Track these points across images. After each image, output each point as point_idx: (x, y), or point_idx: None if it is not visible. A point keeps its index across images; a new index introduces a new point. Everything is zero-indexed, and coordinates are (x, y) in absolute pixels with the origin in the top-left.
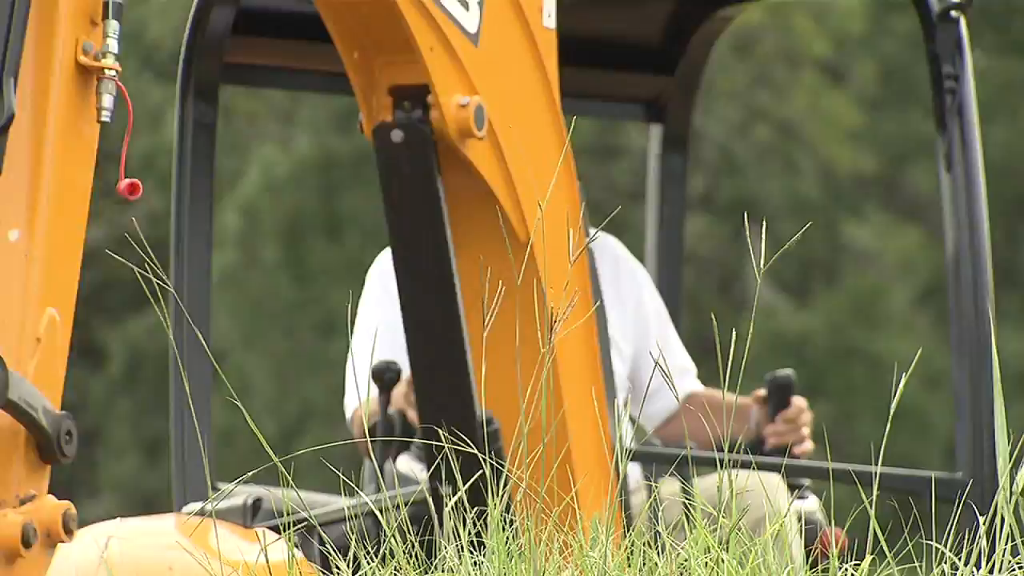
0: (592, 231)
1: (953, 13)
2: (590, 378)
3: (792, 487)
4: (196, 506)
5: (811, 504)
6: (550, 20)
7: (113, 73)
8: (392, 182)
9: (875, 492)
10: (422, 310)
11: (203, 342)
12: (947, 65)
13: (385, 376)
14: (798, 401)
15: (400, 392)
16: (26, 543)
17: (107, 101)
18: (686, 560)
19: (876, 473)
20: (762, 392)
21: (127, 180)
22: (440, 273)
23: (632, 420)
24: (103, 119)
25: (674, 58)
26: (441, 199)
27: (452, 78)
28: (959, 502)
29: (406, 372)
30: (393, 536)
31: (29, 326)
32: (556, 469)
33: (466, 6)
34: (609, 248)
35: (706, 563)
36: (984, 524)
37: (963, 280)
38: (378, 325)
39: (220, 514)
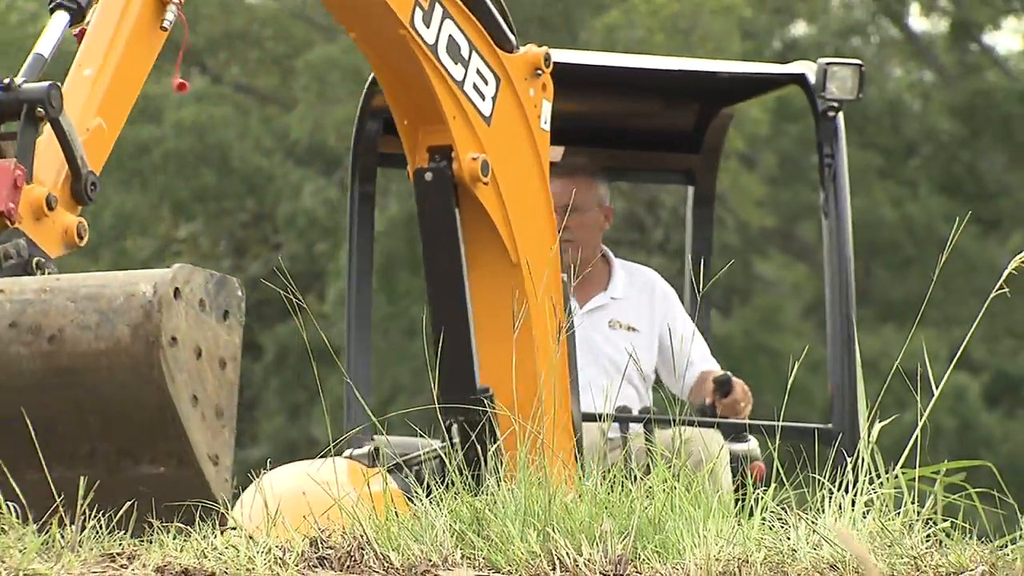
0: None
1: (830, 112)
2: (563, 357)
3: (737, 438)
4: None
5: (751, 445)
6: (546, 125)
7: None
8: (424, 209)
9: (777, 440)
10: (440, 305)
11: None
12: (827, 147)
13: None
14: (738, 390)
15: None
16: (50, 206)
17: (170, 15)
18: (650, 487)
19: (778, 427)
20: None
21: (179, 80)
22: (454, 278)
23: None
24: (164, 27)
25: (699, 141)
26: (457, 223)
27: (468, 141)
28: (834, 446)
29: None
30: (453, 472)
31: (82, 121)
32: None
33: (483, 97)
34: (648, 277)
35: (663, 490)
36: (851, 462)
37: (835, 298)
38: None
39: (356, 458)
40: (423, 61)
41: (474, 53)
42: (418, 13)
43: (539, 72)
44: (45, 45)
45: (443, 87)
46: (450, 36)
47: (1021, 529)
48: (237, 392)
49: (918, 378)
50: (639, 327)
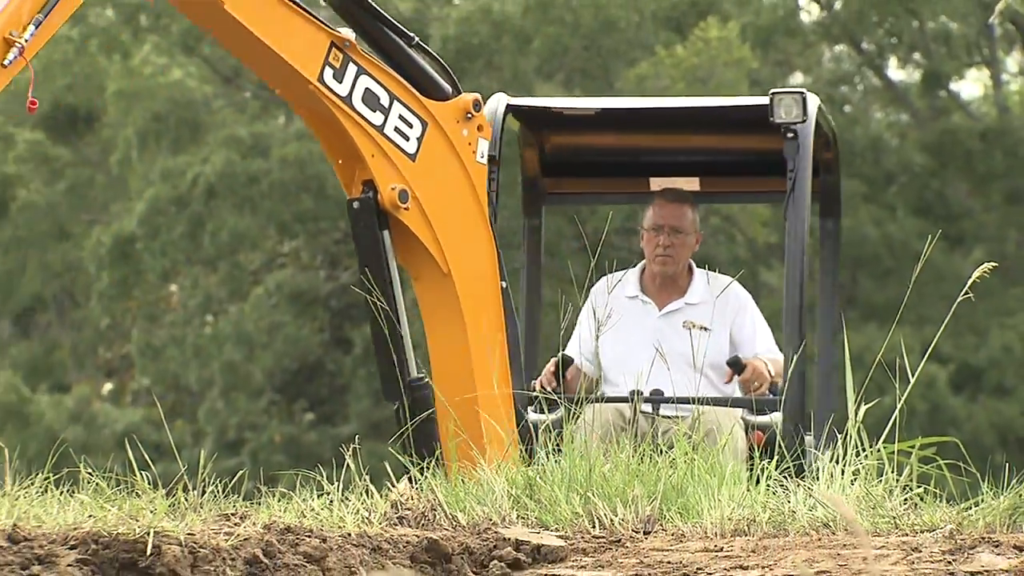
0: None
1: (789, 134)
2: (499, 349)
3: (759, 412)
4: None
5: (774, 417)
6: (482, 159)
7: None
8: (355, 232)
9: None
10: (373, 310)
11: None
12: (790, 162)
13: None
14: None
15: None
16: None
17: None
18: (674, 459)
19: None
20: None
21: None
22: (384, 284)
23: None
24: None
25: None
26: (382, 243)
27: (387, 174)
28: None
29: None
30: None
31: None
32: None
33: (407, 138)
34: (724, 284)
35: (684, 461)
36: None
37: (791, 292)
38: (579, 326)
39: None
40: (335, 110)
41: (395, 102)
42: (328, 71)
43: (470, 115)
44: None
45: (358, 131)
46: (366, 88)
47: (982, 494)
48: None
49: (896, 368)
50: (711, 327)
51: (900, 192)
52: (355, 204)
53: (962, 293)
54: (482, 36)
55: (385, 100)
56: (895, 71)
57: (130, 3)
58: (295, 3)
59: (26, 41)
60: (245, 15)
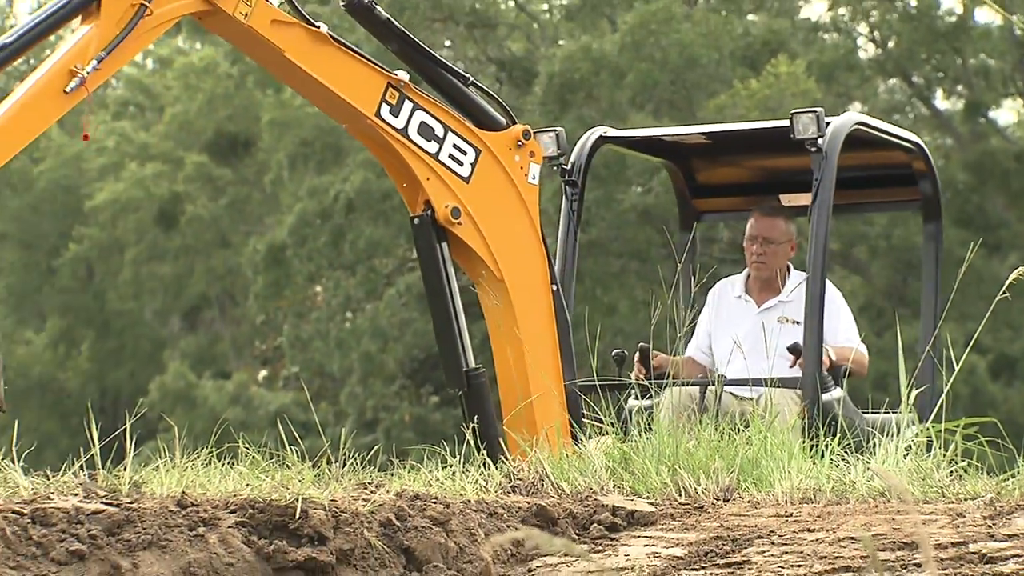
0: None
1: (811, 147)
2: (550, 347)
3: (824, 390)
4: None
5: (835, 394)
6: (533, 180)
7: None
8: (417, 245)
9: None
10: (434, 311)
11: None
12: (816, 172)
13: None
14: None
15: (656, 363)
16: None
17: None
18: (749, 436)
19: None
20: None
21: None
22: (441, 291)
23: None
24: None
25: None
26: (439, 254)
27: (442, 194)
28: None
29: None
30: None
31: None
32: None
33: (460, 163)
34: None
35: (758, 438)
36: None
37: (814, 287)
38: (699, 324)
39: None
40: (392, 141)
41: (449, 132)
42: (385, 108)
43: (521, 143)
44: None
45: (414, 158)
46: (421, 122)
47: (1017, 467)
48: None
49: (943, 358)
50: (803, 321)
51: (945, 206)
52: (416, 220)
53: (1000, 293)
54: (583, 72)
55: (440, 131)
56: (941, 101)
57: None
58: (352, 49)
59: (87, 74)
60: (305, 62)
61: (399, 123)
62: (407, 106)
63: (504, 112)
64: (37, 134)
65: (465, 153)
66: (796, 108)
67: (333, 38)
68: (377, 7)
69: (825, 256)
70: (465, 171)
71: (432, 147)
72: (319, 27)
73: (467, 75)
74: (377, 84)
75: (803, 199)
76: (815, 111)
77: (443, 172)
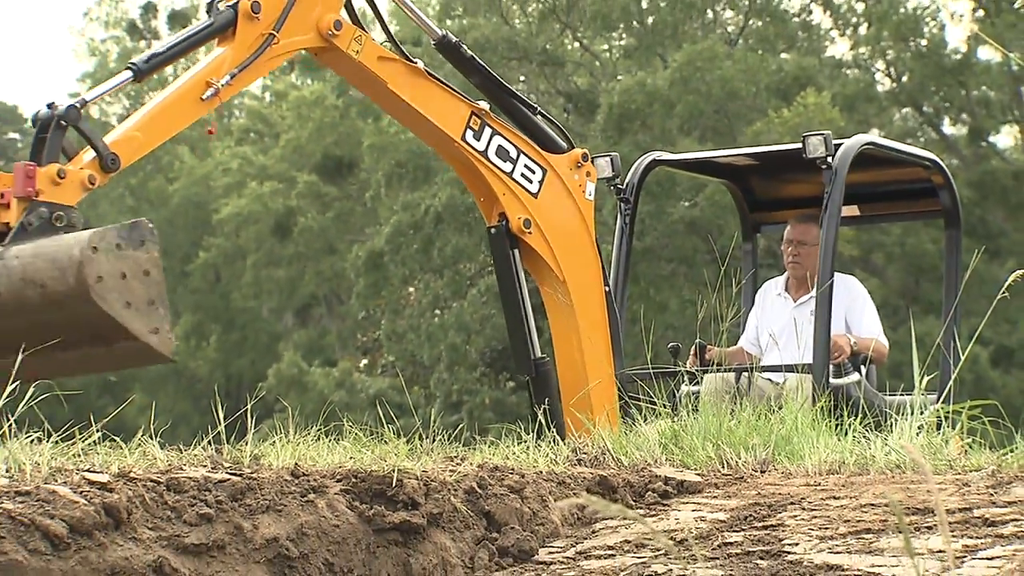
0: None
1: (823, 165)
2: (603, 339)
3: (837, 375)
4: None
5: (850, 379)
6: (590, 196)
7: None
8: (494, 252)
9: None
10: (507, 308)
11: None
12: (827, 187)
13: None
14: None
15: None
16: (60, 176)
17: (209, 92)
18: (783, 416)
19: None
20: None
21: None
22: (513, 292)
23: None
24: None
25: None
26: (512, 259)
27: (515, 208)
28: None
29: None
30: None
31: (127, 129)
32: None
33: (530, 181)
34: (842, 280)
35: (791, 418)
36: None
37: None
38: (749, 319)
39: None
40: (474, 161)
41: (521, 155)
42: (469, 133)
43: (580, 164)
44: (96, 90)
45: (492, 176)
46: (499, 145)
47: (1015, 443)
48: (165, 285)
49: (950, 349)
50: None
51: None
52: (492, 230)
53: (1000, 293)
54: (638, 103)
55: (513, 153)
56: (948, 127)
57: None
58: (442, 82)
59: (221, 86)
60: (404, 92)
61: (480, 146)
62: (487, 131)
63: (565, 137)
64: (175, 132)
65: (534, 172)
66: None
67: (428, 72)
68: (463, 46)
69: (834, 259)
70: (534, 188)
71: (507, 167)
72: (416, 63)
73: (535, 105)
74: (463, 112)
75: (849, 210)
76: (823, 133)
77: (516, 188)
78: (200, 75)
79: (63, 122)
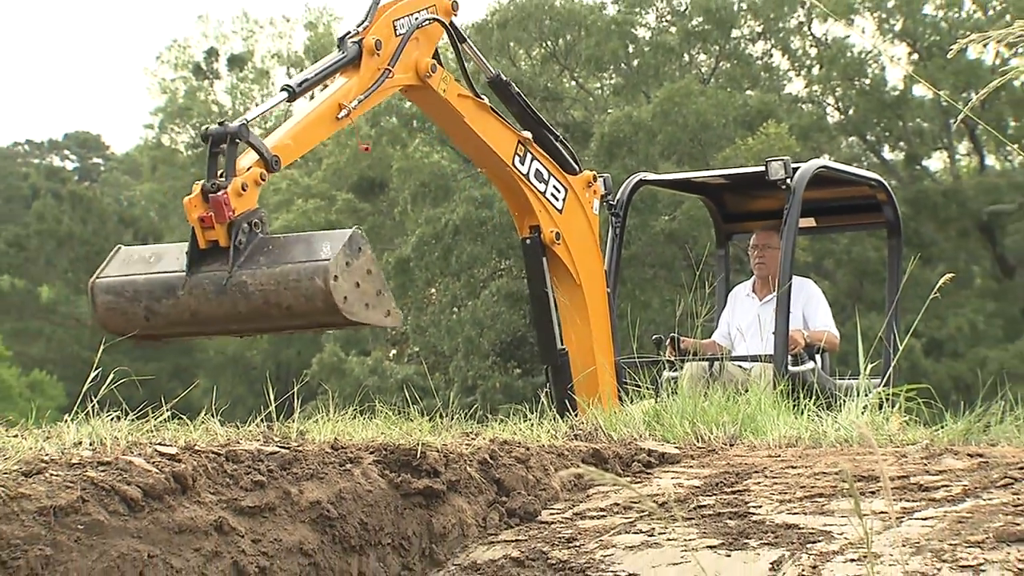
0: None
1: (781, 185)
2: (607, 332)
3: (795, 363)
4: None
5: (806, 366)
6: (596, 211)
7: None
8: (527, 260)
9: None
10: (536, 307)
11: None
12: (787, 205)
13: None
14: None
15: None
16: (244, 188)
17: (342, 113)
18: (748, 399)
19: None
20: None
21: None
22: (544, 294)
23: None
24: (339, 117)
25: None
26: (543, 265)
27: (548, 222)
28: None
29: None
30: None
31: (281, 136)
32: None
33: (557, 199)
34: (800, 282)
35: (756, 400)
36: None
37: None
38: (722, 316)
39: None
40: (520, 183)
41: (551, 176)
42: (516, 158)
43: (590, 184)
44: (256, 109)
45: (532, 194)
46: (536, 168)
47: (945, 422)
48: (382, 272)
49: (890, 341)
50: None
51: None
52: (527, 241)
53: (932, 294)
54: (626, 132)
55: (546, 175)
56: (887, 153)
57: (408, 112)
58: (499, 115)
59: (352, 107)
60: (475, 124)
61: (524, 169)
62: (528, 157)
63: (575, 160)
64: (319, 142)
65: (560, 192)
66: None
67: (491, 108)
68: (511, 83)
69: (792, 265)
70: (560, 205)
71: (542, 187)
72: (483, 99)
73: (557, 133)
74: (513, 140)
75: (806, 222)
76: (783, 159)
77: (548, 206)
78: (334, 98)
79: (237, 138)
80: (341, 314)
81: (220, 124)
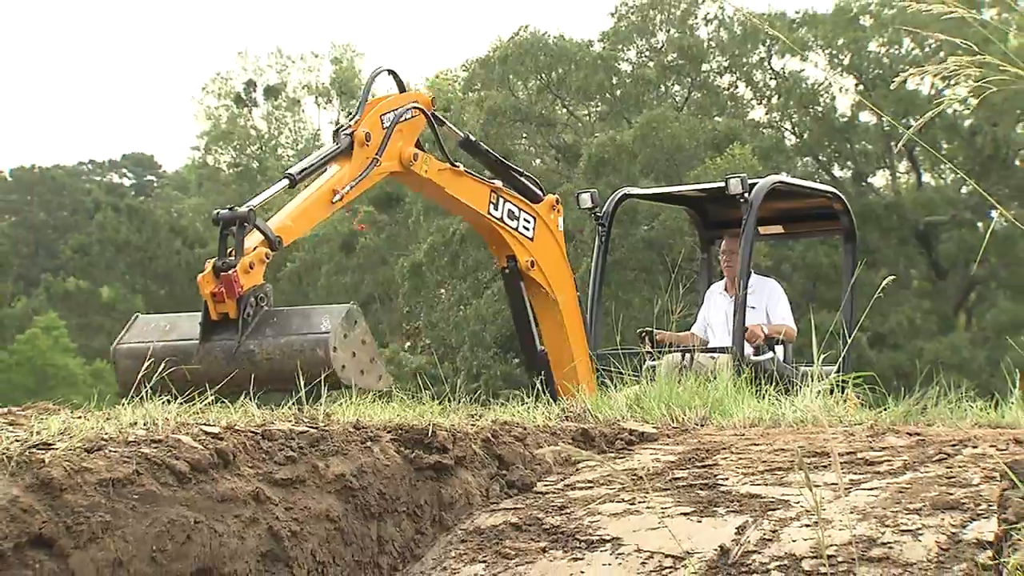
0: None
1: (739, 199)
2: (580, 330)
3: (757, 353)
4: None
5: (767, 355)
6: (560, 227)
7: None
8: (507, 286)
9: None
10: (517, 323)
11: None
12: (745, 215)
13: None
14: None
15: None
16: (252, 266)
17: (336, 198)
18: (717, 385)
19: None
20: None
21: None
22: (524, 308)
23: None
24: (333, 201)
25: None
26: (522, 289)
27: (521, 252)
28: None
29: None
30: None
31: (282, 219)
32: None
33: (528, 229)
34: (763, 280)
35: (724, 387)
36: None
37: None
38: (700, 312)
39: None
40: (494, 225)
41: (521, 212)
42: (491, 206)
43: (554, 206)
44: (260, 196)
45: (506, 233)
46: (508, 209)
47: (887, 405)
48: (375, 342)
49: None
50: (756, 306)
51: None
52: (506, 270)
53: (876, 293)
54: (610, 154)
55: (516, 212)
56: (837, 171)
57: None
58: (471, 174)
59: (344, 192)
60: (453, 190)
61: (498, 214)
62: (501, 201)
63: (539, 188)
64: (316, 223)
65: (529, 222)
66: (752, 174)
67: (466, 171)
68: (478, 141)
69: (749, 268)
70: (530, 234)
71: (514, 224)
72: (458, 165)
73: (520, 168)
74: (486, 192)
75: (774, 229)
76: (741, 176)
77: (521, 238)
78: (328, 184)
79: (244, 222)
80: (339, 380)
81: (230, 209)
